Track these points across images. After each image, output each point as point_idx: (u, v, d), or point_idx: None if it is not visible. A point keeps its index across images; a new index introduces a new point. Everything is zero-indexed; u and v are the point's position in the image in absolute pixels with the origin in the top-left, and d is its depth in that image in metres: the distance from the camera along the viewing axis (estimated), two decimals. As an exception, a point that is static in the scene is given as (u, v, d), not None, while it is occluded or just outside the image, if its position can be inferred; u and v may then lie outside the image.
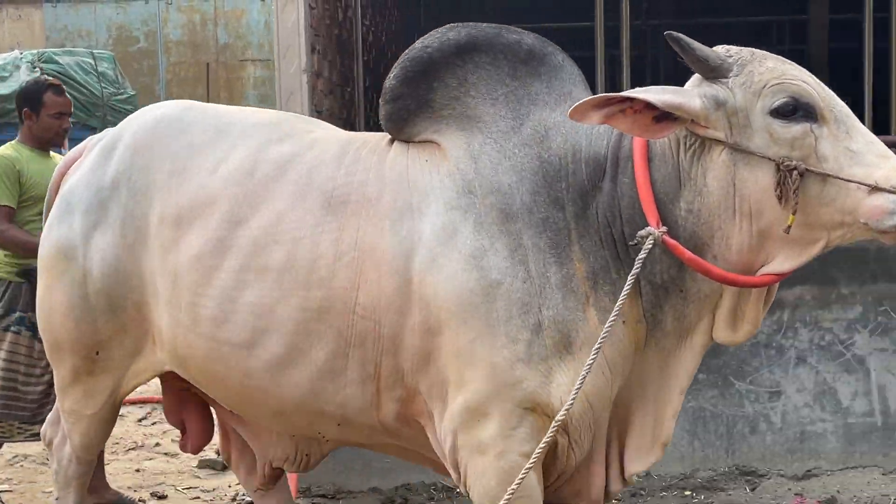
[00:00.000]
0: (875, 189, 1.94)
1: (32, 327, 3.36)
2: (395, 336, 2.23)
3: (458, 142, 2.31)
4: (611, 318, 2.05)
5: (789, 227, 2.03)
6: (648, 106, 1.98)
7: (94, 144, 2.66)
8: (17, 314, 3.52)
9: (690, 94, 2.06)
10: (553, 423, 2.06)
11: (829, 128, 2.03)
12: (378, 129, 2.50)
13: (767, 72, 2.07)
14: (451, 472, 2.32)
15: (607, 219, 2.18)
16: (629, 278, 2.07)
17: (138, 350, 2.52)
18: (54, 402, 3.02)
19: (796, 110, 2.03)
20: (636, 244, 2.08)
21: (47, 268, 2.57)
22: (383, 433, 2.41)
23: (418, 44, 2.39)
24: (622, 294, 2.07)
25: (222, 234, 2.30)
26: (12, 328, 3.52)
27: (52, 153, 3.73)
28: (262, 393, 2.34)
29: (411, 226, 2.24)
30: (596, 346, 2.04)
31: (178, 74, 12.65)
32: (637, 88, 2.07)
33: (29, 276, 3.37)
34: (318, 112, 4.08)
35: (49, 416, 2.92)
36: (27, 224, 3.49)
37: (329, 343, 2.25)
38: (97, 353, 2.52)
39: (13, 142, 3.64)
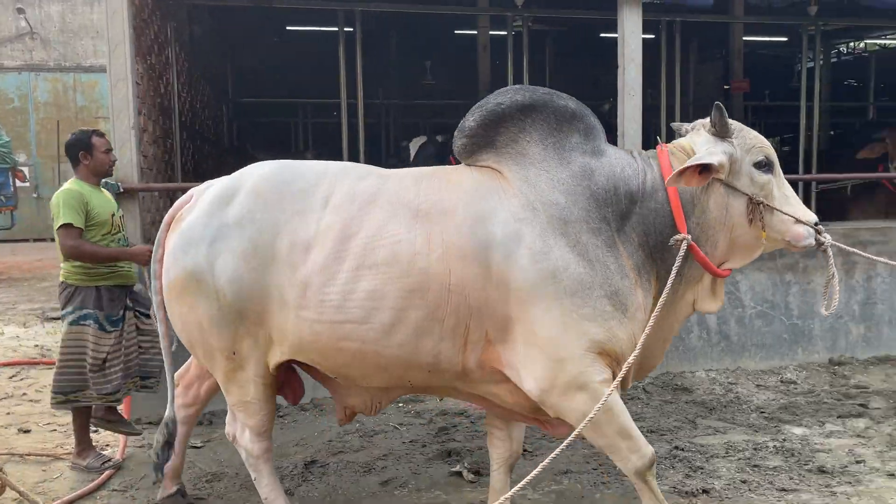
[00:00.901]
0: (797, 221, 3.05)
1: (97, 322, 4.06)
2: (480, 306, 2.89)
3: (516, 171, 3.01)
4: (663, 297, 2.91)
5: (763, 239, 3.05)
6: (706, 166, 2.93)
7: (202, 192, 3.22)
8: (86, 311, 4.06)
9: (719, 154, 2.98)
10: (626, 362, 2.87)
11: (776, 178, 3.09)
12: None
13: (753, 138, 3.10)
14: (545, 406, 2.95)
15: (642, 231, 3.02)
16: (674, 269, 2.91)
17: (260, 347, 3.08)
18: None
19: (766, 165, 3.07)
20: (672, 245, 2.95)
21: (184, 289, 3.07)
22: (460, 377, 3.03)
23: (493, 100, 3.07)
24: (670, 280, 2.90)
25: (339, 248, 2.93)
26: (81, 321, 4.06)
27: (101, 187, 4.29)
28: (374, 353, 2.96)
29: (485, 229, 2.90)
30: (651, 318, 2.88)
31: (45, 127, 15.50)
32: (702, 154, 2.97)
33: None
34: (144, 156, 5.35)
35: (227, 419, 3.40)
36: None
37: (427, 311, 2.89)
38: (234, 353, 3.09)
39: (73, 179, 4.17)
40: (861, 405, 5.20)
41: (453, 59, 11.83)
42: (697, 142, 3.10)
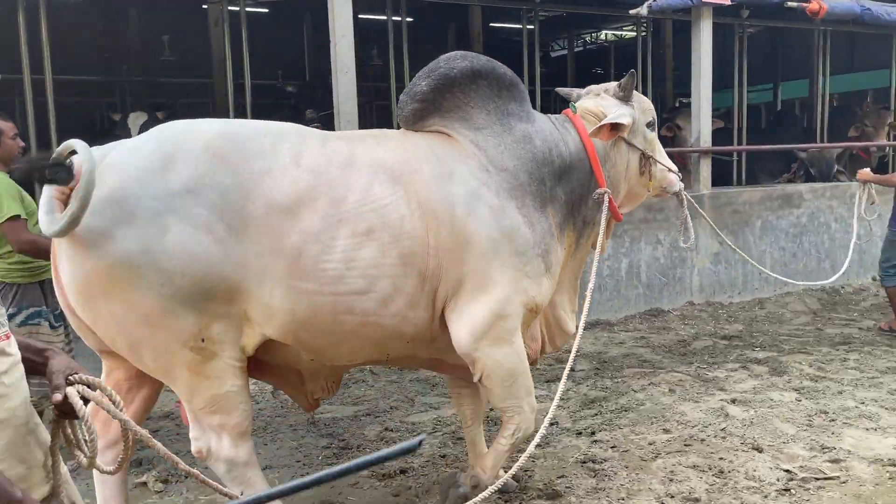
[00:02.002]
0: (670, 171, 3.64)
1: (47, 319, 3.80)
2: (448, 268, 2.90)
3: (466, 135, 3.10)
4: (597, 254, 3.44)
5: (649, 187, 3.58)
6: (620, 125, 3.31)
7: (97, 161, 2.42)
8: (34, 309, 3.76)
9: (627, 115, 3.37)
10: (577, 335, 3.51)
11: (655, 135, 3.63)
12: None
13: (645, 101, 3.60)
14: (467, 363, 3.03)
15: (569, 189, 3.28)
16: (602, 219, 3.30)
17: (235, 328, 2.64)
18: None
19: (652, 124, 3.60)
20: (595, 198, 3.32)
21: (113, 282, 2.47)
22: (429, 344, 3.03)
23: (444, 65, 3.11)
24: (601, 231, 3.31)
25: (332, 212, 2.70)
26: (30, 321, 3.76)
27: None
28: (372, 325, 2.78)
29: (450, 188, 2.94)
30: (593, 277, 3.47)
31: None
32: (615, 113, 3.33)
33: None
34: None
35: (192, 435, 2.75)
36: None
37: (415, 278, 2.83)
38: (202, 341, 2.58)
39: None
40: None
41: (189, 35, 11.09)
42: (606, 105, 3.45)
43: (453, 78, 3.10)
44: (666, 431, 4.23)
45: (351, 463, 1.35)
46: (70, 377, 1.70)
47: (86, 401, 1.72)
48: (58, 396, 1.66)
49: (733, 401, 4.67)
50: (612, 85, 3.58)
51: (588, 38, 19.01)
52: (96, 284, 2.48)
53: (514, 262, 3.02)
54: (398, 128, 3.27)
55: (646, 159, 3.54)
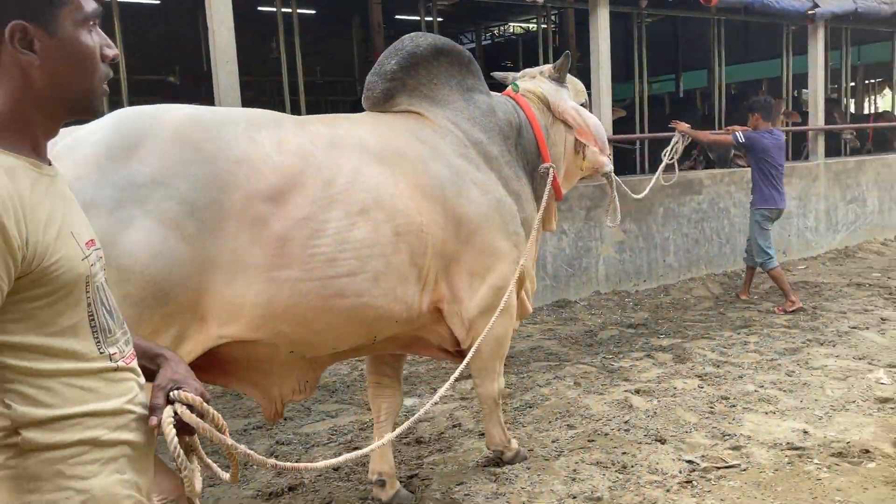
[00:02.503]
0: (602, 153, 3.75)
1: None
2: (438, 245, 2.91)
3: (437, 113, 3.15)
4: (536, 223, 3.39)
5: (583, 167, 3.76)
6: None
7: (63, 146, 2.28)
8: None
9: (566, 97, 3.65)
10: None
11: None
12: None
13: (578, 83, 3.88)
14: (464, 335, 3.11)
15: (525, 161, 3.43)
16: (545, 194, 3.43)
17: (184, 334, 2.38)
18: None
19: (585, 106, 3.82)
20: (542, 173, 3.47)
21: None
22: (413, 323, 2.97)
23: (409, 43, 3.15)
24: (541, 205, 3.42)
25: (322, 194, 2.59)
26: None
27: None
28: (363, 307, 2.69)
29: (436, 168, 2.96)
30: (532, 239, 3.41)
31: None
32: (560, 97, 3.65)
33: None
34: None
35: None
36: None
37: (406, 255, 2.79)
38: None
39: None
40: (473, 367, 5.33)
41: None
42: (545, 87, 3.64)
43: (420, 55, 3.16)
44: (570, 427, 4.11)
45: None
46: (172, 393, 1.43)
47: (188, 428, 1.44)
48: (153, 421, 1.40)
49: (637, 391, 4.60)
50: (548, 67, 3.77)
51: (496, 31, 19.06)
52: None
53: (505, 232, 3.15)
54: (361, 110, 3.23)
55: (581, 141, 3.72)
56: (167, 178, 2.34)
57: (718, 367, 5.07)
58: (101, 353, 1.34)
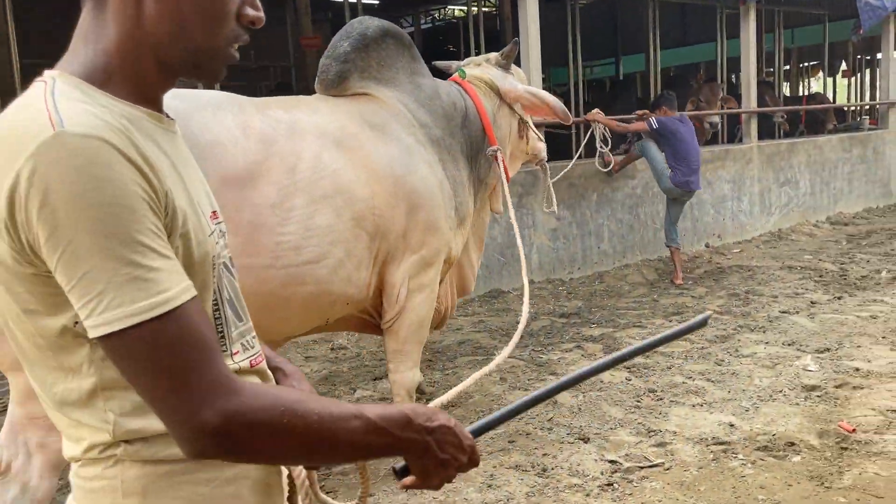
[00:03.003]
0: (539, 139, 4.04)
1: None
2: (389, 224, 2.97)
3: (387, 94, 3.22)
4: (512, 212, 3.74)
5: (527, 151, 3.96)
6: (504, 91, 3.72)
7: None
8: None
9: (513, 82, 3.75)
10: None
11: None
12: None
13: (520, 71, 4.00)
14: (390, 310, 3.13)
15: (469, 145, 3.47)
16: (503, 179, 3.59)
17: None
18: None
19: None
20: (489, 155, 3.56)
21: None
22: (363, 304, 3.06)
23: (358, 25, 3.22)
24: (507, 190, 3.64)
25: (287, 181, 2.63)
26: None
27: None
28: (323, 293, 2.74)
29: (386, 148, 3.04)
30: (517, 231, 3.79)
31: None
32: (510, 83, 3.77)
33: None
34: None
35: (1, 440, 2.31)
36: None
37: (363, 241, 2.86)
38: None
39: None
40: (397, 363, 5.09)
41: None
42: (493, 74, 3.76)
43: (370, 37, 3.23)
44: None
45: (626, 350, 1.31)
46: None
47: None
48: None
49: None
50: (494, 55, 3.91)
51: (437, 15, 18.72)
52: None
53: (444, 213, 3.21)
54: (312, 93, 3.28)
55: (523, 124, 3.86)
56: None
57: (647, 357, 4.92)
58: (223, 351, 1.06)
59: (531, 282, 7.09)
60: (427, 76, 3.46)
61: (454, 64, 3.96)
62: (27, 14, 7.97)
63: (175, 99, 2.50)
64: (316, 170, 2.74)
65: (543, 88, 7.14)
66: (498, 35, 12.15)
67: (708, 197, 8.55)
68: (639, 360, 4.87)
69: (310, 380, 4.92)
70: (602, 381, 4.44)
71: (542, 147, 4.06)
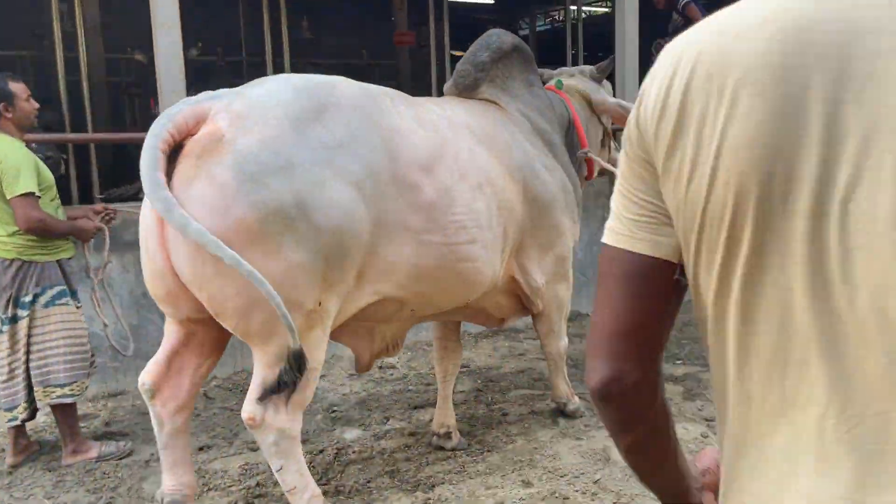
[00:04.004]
0: (617, 149, 4.10)
1: (72, 297, 3.66)
2: (520, 221, 3.27)
3: (509, 103, 3.53)
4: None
5: (609, 161, 4.17)
6: (599, 101, 4.14)
7: (243, 107, 2.46)
8: (58, 287, 3.58)
9: (606, 95, 4.21)
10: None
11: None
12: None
13: (607, 85, 4.36)
14: (535, 300, 3.56)
15: (571, 149, 3.82)
16: (605, 164, 4.02)
17: (348, 292, 2.62)
18: None
19: None
20: (581, 157, 3.90)
21: (260, 232, 2.33)
22: (490, 291, 3.28)
23: (496, 39, 3.55)
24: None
25: (455, 167, 2.88)
26: (57, 303, 3.56)
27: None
28: (476, 271, 3.00)
29: (517, 153, 3.31)
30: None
31: None
32: (603, 96, 4.18)
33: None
34: None
35: (249, 396, 2.59)
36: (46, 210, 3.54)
37: (502, 229, 3.12)
38: (319, 304, 2.51)
39: (6, 136, 3.49)
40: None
41: None
42: (588, 86, 4.12)
43: (504, 51, 3.54)
44: (525, 485, 3.28)
45: None
46: None
47: None
48: None
49: (624, 438, 3.73)
50: (589, 68, 4.24)
51: (557, 16, 18.05)
52: (237, 237, 2.31)
53: (568, 211, 3.53)
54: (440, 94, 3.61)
55: (606, 135, 4.19)
56: (351, 142, 2.55)
57: (735, 408, 4.13)
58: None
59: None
60: (540, 87, 3.79)
61: (546, 72, 4.16)
62: None
63: (366, 86, 2.83)
64: (471, 160, 2.98)
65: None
66: (608, 39, 11.33)
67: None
68: (723, 411, 4.09)
69: (345, 402, 4.49)
70: (671, 436, 3.71)
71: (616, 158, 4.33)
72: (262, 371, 2.55)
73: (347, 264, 2.52)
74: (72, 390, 3.60)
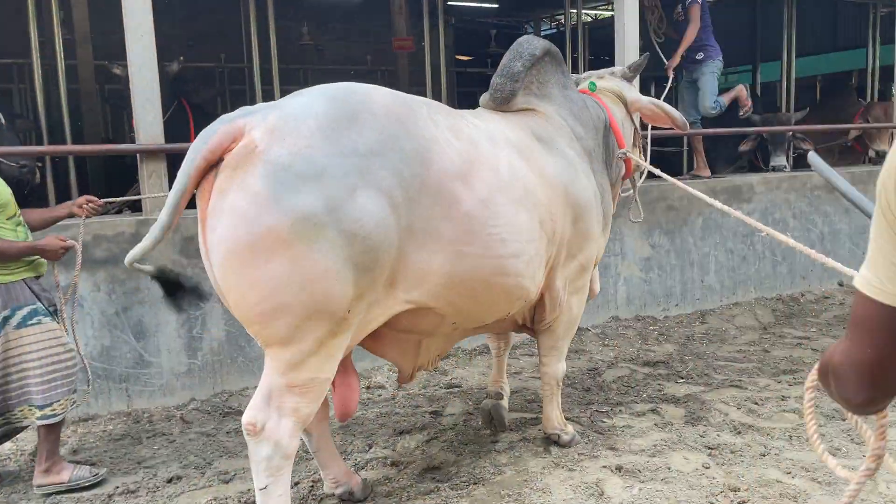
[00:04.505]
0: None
1: (47, 314, 3.48)
2: (560, 229, 3.21)
3: (548, 108, 3.48)
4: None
5: (642, 159, 4.13)
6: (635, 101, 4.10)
7: (277, 119, 2.44)
8: (30, 306, 3.43)
9: (639, 95, 4.16)
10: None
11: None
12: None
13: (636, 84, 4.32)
14: (552, 311, 3.44)
15: (606, 150, 3.75)
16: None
17: (377, 299, 2.59)
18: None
19: None
20: (620, 157, 3.84)
21: (291, 238, 2.33)
22: (529, 304, 3.29)
23: (527, 45, 3.44)
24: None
25: (493, 180, 2.83)
26: (29, 323, 3.41)
27: None
28: (517, 286, 2.98)
29: (554, 160, 3.26)
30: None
31: None
32: (636, 96, 4.12)
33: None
34: None
35: (253, 402, 2.56)
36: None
37: (544, 243, 3.09)
38: (348, 312, 2.48)
39: None
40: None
41: None
42: (621, 86, 4.07)
43: (538, 57, 3.46)
44: (511, 523, 3.05)
45: None
46: None
47: None
48: None
49: (619, 468, 3.48)
50: (619, 68, 4.22)
51: (562, 20, 17.79)
52: (268, 242, 2.33)
53: (598, 220, 3.47)
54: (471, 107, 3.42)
55: (637, 134, 4.12)
56: (383, 150, 2.51)
57: (739, 433, 3.89)
58: None
59: (616, 318, 6.10)
60: (574, 90, 3.72)
61: (573, 76, 4.05)
62: None
63: (403, 94, 2.78)
64: (511, 173, 2.93)
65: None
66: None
67: (844, 227, 7.21)
68: (726, 437, 3.84)
69: (332, 426, 4.26)
70: (670, 468, 3.47)
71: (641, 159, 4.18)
72: (270, 376, 2.56)
73: (377, 272, 2.52)
74: (53, 410, 3.45)
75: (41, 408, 3.43)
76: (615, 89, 4.06)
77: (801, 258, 6.89)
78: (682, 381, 4.84)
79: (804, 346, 5.54)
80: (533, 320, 3.56)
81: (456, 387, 4.86)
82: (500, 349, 4.12)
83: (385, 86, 2.89)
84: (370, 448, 3.89)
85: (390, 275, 2.58)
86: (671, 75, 6.70)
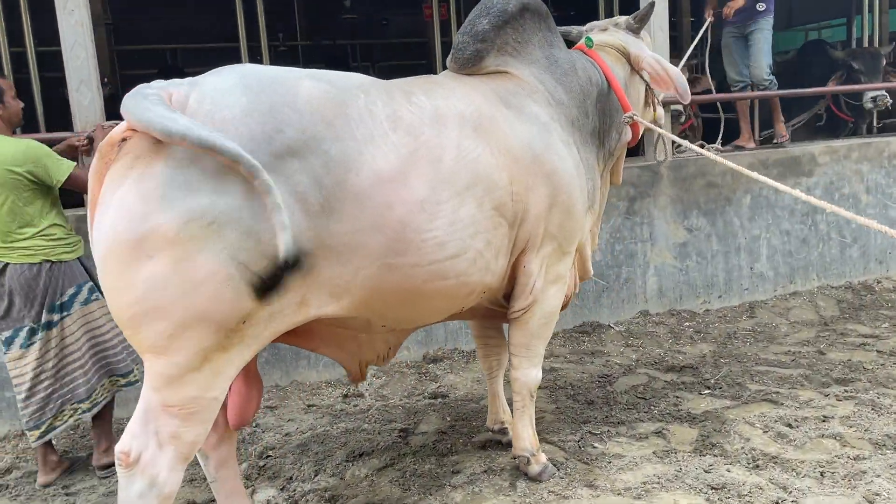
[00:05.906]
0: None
1: (101, 291, 3.42)
2: (529, 208, 2.82)
3: (524, 70, 3.07)
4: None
5: (653, 120, 3.62)
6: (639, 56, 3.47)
7: (194, 103, 2.23)
8: (88, 284, 3.51)
9: (647, 49, 3.52)
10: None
11: None
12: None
13: (647, 35, 3.66)
14: (522, 300, 3.01)
15: (603, 118, 3.31)
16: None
17: (282, 311, 2.29)
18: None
19: None
20: (624, 122, 3.35)
21: (180, 239, 2.09)
22: (498, 291, 2.97)
23: (498, 1, 3.03)
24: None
25: (434, 174, 2.51)
26: (93, 299, 3.50)
27: None
28: (461, 285, 2.65)
29: (523, 126, 2.86)
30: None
31: None
32: (643, 50, 3.46)
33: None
34: None
35: (129, 427, 2.26)
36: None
37: (503, 229, 2.75)
38: (243, 323, 2.20)
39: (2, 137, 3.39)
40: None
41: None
42: (626, 40, 3.51)
43: (510, 13, 3.05)
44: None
45: None
46: None
47: None
48: None
49: (590, 516, 2.84)
50: (624, 18, 3.62)
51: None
52: (153, 241, 2.08)
53: (581, 196, 3.02)
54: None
55: (649, 91, 3.56)
56: (302, 152, 2.26)
57: (756, 467, 3.16)
58: None
59: (645, 313, 5.36)
60: (562, 48, 3.27)
61: (574, 30, 3.68)
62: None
63: (332, 85, 2.42)
64: (458, 160, 2.60)
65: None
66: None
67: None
68: (738, 473, 3.12)
69: (284, 445, 3.80)
70: (651, 518, 2.79)
71: (661, 112, 3.68)
72: (147, 393, 2.23)
73: (286, 280, 2.24)
74: (135, 376, 3.60)
75: (125, 375, 3.58)
76: (617, 44, 3.51)
77: (877, 239, 5.90)
78: (706, 392, 4.10)
79: (868, 348, 4.66)
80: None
81: (441, 397, 4.29)
82: (493, 369, 3.57)
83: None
84: (316, 475, 3.39)
85: (301, 288, 2.28)
86: (710, 19, 5.80)
